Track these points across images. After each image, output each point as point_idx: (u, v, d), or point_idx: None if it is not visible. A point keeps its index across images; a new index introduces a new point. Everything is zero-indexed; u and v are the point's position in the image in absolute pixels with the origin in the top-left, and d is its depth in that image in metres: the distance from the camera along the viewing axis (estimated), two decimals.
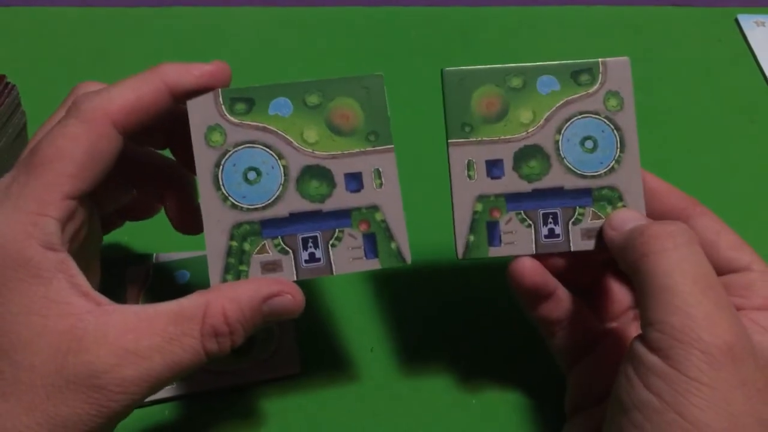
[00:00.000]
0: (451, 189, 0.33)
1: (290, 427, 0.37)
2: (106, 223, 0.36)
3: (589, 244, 0.34)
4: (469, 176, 0.33)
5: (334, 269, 0.32)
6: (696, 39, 0.61)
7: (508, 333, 0.41)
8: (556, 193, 0.34)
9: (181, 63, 0.31)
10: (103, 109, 0.29)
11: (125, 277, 0.41)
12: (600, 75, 0.34)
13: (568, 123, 0.34)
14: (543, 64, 0.34)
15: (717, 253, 0.32)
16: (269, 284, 0.30)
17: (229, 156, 0.32)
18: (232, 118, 0.32)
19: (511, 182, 0.33)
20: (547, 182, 0.34)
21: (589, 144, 0.34)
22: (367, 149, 0.32)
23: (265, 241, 0.32)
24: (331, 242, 0.32)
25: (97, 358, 0.26)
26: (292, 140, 0.32)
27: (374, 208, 0.32)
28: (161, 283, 0.41)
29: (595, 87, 0.34)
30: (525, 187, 0.33)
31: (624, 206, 0.34)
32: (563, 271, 0.34)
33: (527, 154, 0.33)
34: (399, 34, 0.60)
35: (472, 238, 0.33)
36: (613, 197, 0.34)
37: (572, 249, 0.34)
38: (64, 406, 0.26)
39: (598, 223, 0.34)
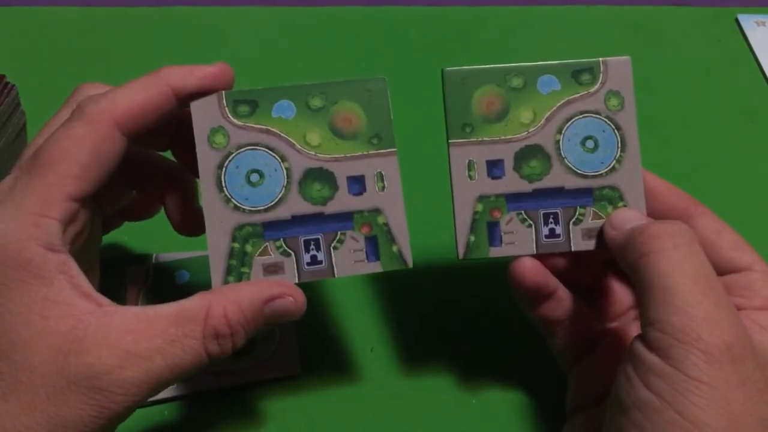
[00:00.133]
0: (451, 189, 0.33)
1: (290, 427, 0.37)
2: (106, 223, 0.36)
3: (590, 244, 0.34)
4: (470, 176, 0.33)
5: (335, 272, 0.32)
6: (696, 39, 0.61)
7: (508, 333, 0.41)
8: (557, 193, 0.34)
9: (185, 65, 0.31)
10: (107, 112, 0.29)
11: (125, 277, 0.41)
12: (601, 74, 0.34)
13: (569, 123, 0.34)
14: (543, 63, 0.34)
15: (718, 253, 0.32)
16: (271, 286, 0.30)
17: (232, 158, 0.32)
18: (235, 120, 0.32)
19: (512, 182, 0.33)
20: (548, 182, 0.34)
21: (589, 144, 0.34)
22: (370, 152, 0.32)
23: (267, 243, 0.32)
24: (333, 245, 0.32)
25: (98, 360, 0.26)
26: (294, 143, 0.32)
27: (376, 211, 0.32)
28: (161, 283, 0.41)
29: (596, 86, 0.34)
30: (526, 187, 0.33)
31: (625, 206, 0.34)
32: (564, 271, 0.34)
33: (528, 154, 0.33)
34: (399, 34, 0.60)
35: (472, 238, 0.33)
36: (613, 197, 0.34)
37: (573, 249, 0.34)
38: (64, 406, 0.26)
39: (598, 222, 0.34)
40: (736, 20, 0.63)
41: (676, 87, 0.57)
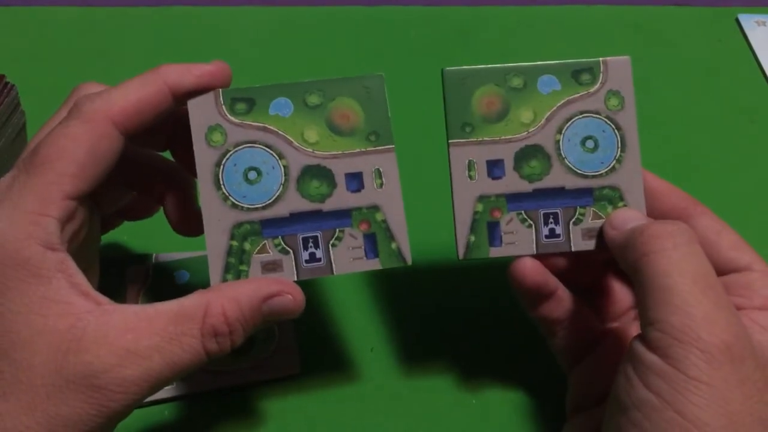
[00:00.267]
0: (451, 189, 0.33)
1: (290, 427, 0.37)
2: (105, 223, 0.36)
3: (590, 244, 0.34)
4: (470, 176, 0.33)
5: (334, 269, 0.32)
6: (696, 39, 0.61)
7: (508, 333, 0.41)
8: (557, 193, 0.34)
9: (182, 63, 0.31)
10: (104, 110, 0.29)
11: (125, 277, 0.41)
12: (601, 74, 0.34)
13: (569, 123, 0.34)
14: (544, 63, 0.34)
15: (718, 253, 0.32)
16: (269, 284, 0.30)
17: (230, 156, 0.32)
18: (232, 118, 0.32)
19: (512, 182, 0.33)
20: (548, 182, 0.34)
21: (589, 144, 0.34)
22: (368, 149, 0.32)
23: (265, 241, 0.32)
24: (331, 242, 0.32)
25: (97, 358, 0.26)
26: (292, 140, 0.32)
27: (375, 208, 0.32)
28: (161, 283, 0.41)
29: (596, 86, 0.34)
30: (526, 187, 0.33)
31: (625, 206, 0.34)
32: (564, 271, 0.34)
33: (528, 154, 0.33)
34: (399, 33, 0.60)
35: (472, 238, 0.33)
36: (613, 197, 0.34)
37: (573, 249, 0.34)
38: (64, 405, 0.26)
39: (598, 222, 0.34)
40: (737, 20, 0.63)
41: (676, 87, 0.57)
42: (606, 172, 0.34)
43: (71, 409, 0.26)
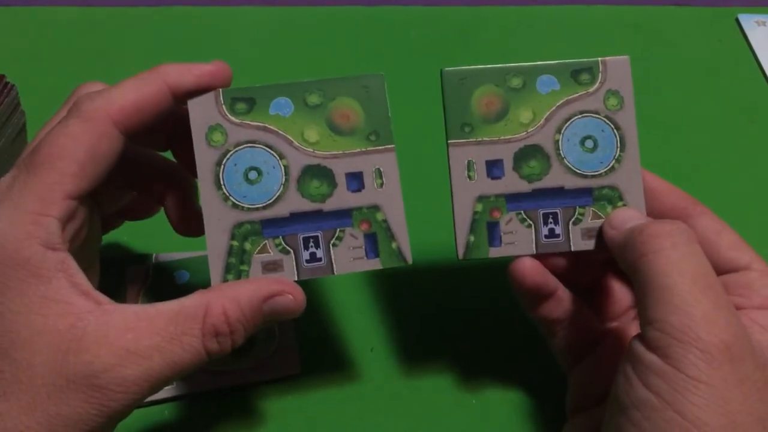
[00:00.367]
0: (451, 189, 0.33)
1: (290, 427, 0.37)
2: (105, 223, 0.36)
3: (590, 244, 0.34)
4: (469, 176, 0.33)
5: (335, 269, 0.32)
6: (696, 39, 0.61)
7: (508, 333, 0.41)
8: (557, 192, 0.34)
9: (182, 63, 0.31)
10: (104, 109, 0.29)
11: (125, 276, 0.41)
12: (600, 74, 0.34)
13: (568, 122, 0.34)
14: (543, 63, 0.34)
15: (717, 253, 0.32)
16: (270, 284, 0.30)
17: (230, 156, 0.32)
18: (233, 118, 0.32)
19: (511, 182, 0.33)
20: (548, 182, 0.34)
21: (589, 143, 0.34)
22: (368, 149, 0.32)
23: (266, 241, 0.32)
24: (332, 242, 0.32)
25: (97, 358, 0.26)
26: (292, 140, 0.32)
27: (375, 207, 0.32)
28: (161, 283, 0.41)
29: (595, 86, 0.34)
30: (525, 187, 0.33)
31: (624, 205, 0.34)
32: (564, 271, 0.34)
33: (527, 154, 0.33)
34: (399, 33, 0.60)
35: (472, 238, 0.33)
36: (613, 196, 0.34)
37: (572, 249, 0.34)
38: (64, 405, 0.26)
39: (598, 222, 0.34)
40: (737, 20, 0.63)
41: (676, 87, 0.57)
42: (605, 171, 0.34)
43: (71, 408, 0.26)
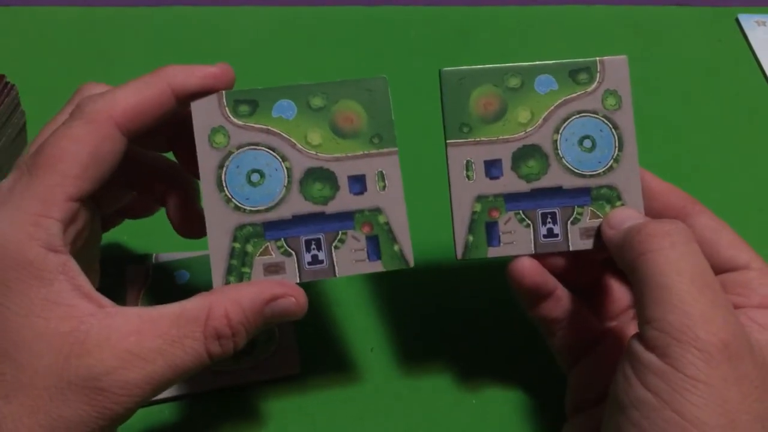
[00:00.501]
0: (449, 189, 0.33)
1: (290, 427, 0.37)
2: (105, 221, 0.36)
3: (588, 244, 0.34)
4: (468, 176, 0.33)
5: (337, 271, 0.32)
6: (696, 39, 0.61)
7: (508, 333, 0.41)
8: (555, 192, 0.34)
9: (185, 65, 0.31)
10: (106, 111, 0.29)
11: (125, 277, 0.41)
12: (598, 74, 0.34)
13: (567, 122, 0.34)
14: (541, 63, 0.34)
15: (716, 252, 0.32)
16: (272, 286, 0.30)
17: (233, 158, 0.32)
18: (235, 120, 0.32)
19: (510, 182, 0.33)
20: (546, 182, 0.34)
21: (587, 143, 0.34)
22: (371, 152, 0.32)
23: (268, 243, 0.32)
24: (334, 244, 0.32)
25: (100, 361, 0.26)
26: (295, 142, 0.32)
27: (377, 210, 0.32)
28: (161, 283, 0.41)
29: (594, 86, 0.34)
30: (524, 186, 0.34)
31: (622, 205, 0.34)
32: (562, 271, 0.34)
33: (526, 153, 0.34)
34: (399, 34, 0.60)
35: (471, 238, 0.33)
36: (611, 196, 0.34)
37: (571, 248, 0.34)
38: (66, 408, 0.26)
39: (596, 222, 0.34)
40: (737, 20, 0.63)
41: (676, 87, 0.57)
42: (604, 171, 0.34)
43: (73, 411, 0.26)
